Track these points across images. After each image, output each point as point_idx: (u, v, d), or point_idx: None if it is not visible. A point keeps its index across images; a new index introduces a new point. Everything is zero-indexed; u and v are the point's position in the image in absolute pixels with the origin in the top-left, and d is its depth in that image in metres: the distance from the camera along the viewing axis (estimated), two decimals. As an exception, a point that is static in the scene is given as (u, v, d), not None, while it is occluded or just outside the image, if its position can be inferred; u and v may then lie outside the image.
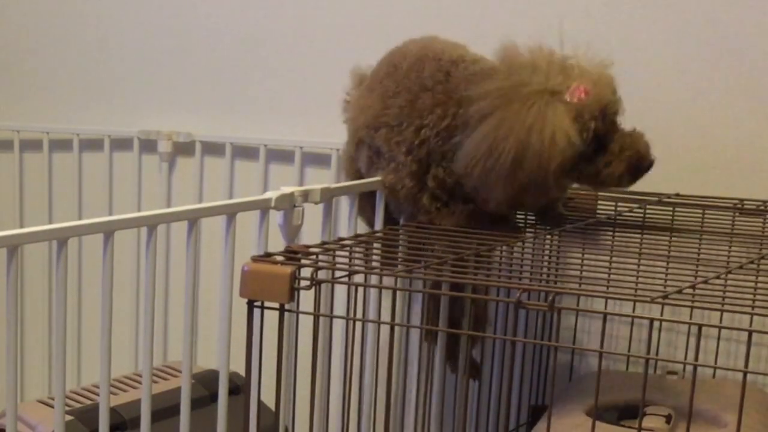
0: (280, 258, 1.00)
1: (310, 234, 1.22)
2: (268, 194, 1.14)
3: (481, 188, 1.19)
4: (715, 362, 1.43)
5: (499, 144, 1.14)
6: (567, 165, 1.15)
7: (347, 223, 1.28)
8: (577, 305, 1.30)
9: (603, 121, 1.17)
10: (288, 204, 1.16)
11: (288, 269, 0.96)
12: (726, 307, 0.90)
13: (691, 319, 1.25)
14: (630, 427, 1.09)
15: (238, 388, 1.41)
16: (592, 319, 1.53)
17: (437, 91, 1.23)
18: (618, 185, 1.21)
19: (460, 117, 1.20)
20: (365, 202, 1.31)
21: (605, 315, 0.91)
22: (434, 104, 1.23)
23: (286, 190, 1.16)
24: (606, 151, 1.18)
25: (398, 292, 1.25)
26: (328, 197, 1.21)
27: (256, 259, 0.99)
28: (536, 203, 1.24)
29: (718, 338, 1.43)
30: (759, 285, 0.98)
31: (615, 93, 1.19)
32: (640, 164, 1.20)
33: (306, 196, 1.18)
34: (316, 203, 1.20)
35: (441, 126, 1.22)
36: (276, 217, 1.17)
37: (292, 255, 1.01)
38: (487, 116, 1.16)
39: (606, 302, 1.04)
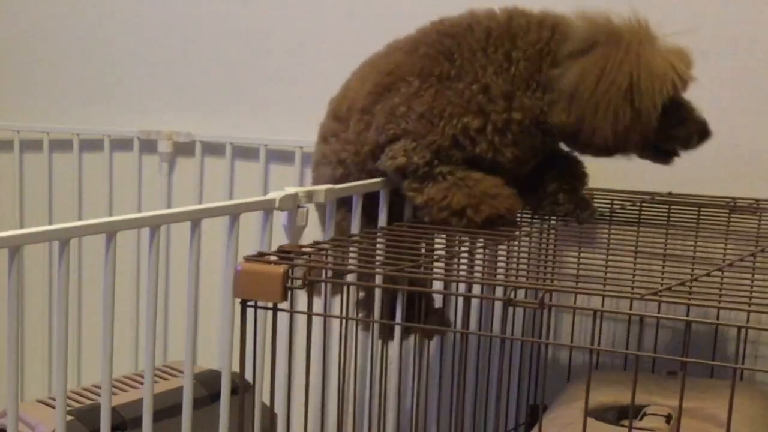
0: (273, 258, 1.00)
1: (313, 235, 1.22)
2: (272, 195, 1.14)
3: (586, 120, 1.19)
4: (713, 359, 1.43)
5: (612, 71, 1.16)
6: (667, 104, 1.18)
7: (351, 223, 1.28)
8: (575, 303, 1.30)
9: (687, 82, 1.21)
10: (292, 204, 1.15)
11: (281, 269, 0.96)
12: (721, 303, 0.90)
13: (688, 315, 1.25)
14: (629, 427, 1.09)
15: (239, 388, 1.41)
16: (591, 318, 1.53)
17: (530, 17, 1.24)
18: (686, 144, 1.24)
19: (555, 43, 1.21)
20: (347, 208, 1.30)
21: (595, 312, 0.91)
22: (527, 27, 1.23)
23: (290, 190, 1.16)
24: (681, 109, 1.22)
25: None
26: (332, 197, 1.21)
27: (249, 258, 0.99)
28: (633, 145, 1.23)
29: (716, 335, 1.44)
30: (755, 282, 0.98)
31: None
32: (707, 130, 1.24)
33: (310, 196, 1.18)
34: (319, 204, 1.19)
35: (534, 49, 1.22)
36: (280, 217, 1.17)
37: (286, 255, 1.01)
38: (593, 46, 1.18)
39: (603, 300, 1.04)
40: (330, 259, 1.06)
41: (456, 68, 1.23)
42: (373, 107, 1.28)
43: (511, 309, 1.46)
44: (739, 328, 0.87)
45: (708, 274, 1.00)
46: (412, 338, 1.39)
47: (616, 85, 1.16)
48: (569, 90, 1.18)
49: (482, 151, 1.22)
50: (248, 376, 1.27)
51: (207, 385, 1.46)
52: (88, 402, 1.41)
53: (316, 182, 1.35)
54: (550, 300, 0.89)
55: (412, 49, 1.28)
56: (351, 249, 1.11)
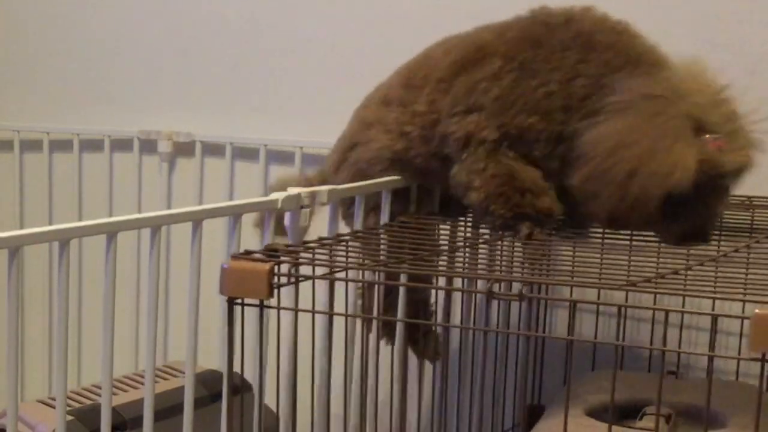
0: (260, 255, 1.01)
1: (316, 236, 1.21)
2: (275, 195, 1.14)
3: (587, 188, 1.15)
4: (711, 352, 1.43)
5: (622, 148, 1.11)
6: (666, 201, 1.11)
7: (354, 224, 1.27)
8: (570, 296, 1.30)
9: (710, 183, 1.12)
10: (295, 205, 1.15)
11: (266, 266, 0.96)
12: (716, 294, 0.91)
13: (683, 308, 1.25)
14: (629, 427, 1.09)
15: (238, 388, 1.41)
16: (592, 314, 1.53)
17: (621, 38, 1.19)
18: (664, 239, 1.18)
19: (613, 80, 1.16)
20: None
21: (574, 303, 0.92)
22: (610, 45, 1.18)
23: (293, 191, 1.16)
24: (686, 206, 1.13)
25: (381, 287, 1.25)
26: (335, 198, 1.20)
27: (236, 256, 1.00)
28: (635, 225, 1.17)
29: (713, 329, 1.43)
30: (748, 274, 0.98)
31: (739, 172, 1.14)
32: (697, 236, 1.16)
33: (313, 197, 1.17)
34: (323, 204, 1.19)
35: (597, 72, 1.17)
36: (284, 218, 1.17)
37: (273, 253, 1.02)
38: (625, 112, 1.13)
39: (599, 293, 1.04)
40: (317, 256, 1.06)
41: (539, 60, 1.20)
42: (454, 79, 1.25)
43: (511, 307, 1.48)
44: (715, 316, 0.87)
45: (690, 268, 1.00)
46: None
47: (622, 163, 1.11)
48: (585, 150, 1.14)
49: (538, 151, 1.20)
50: (250, 375, 1.27)
51: (207, 385, 1.46)
52: (88, 402, 1.41)
53: (364, 147, 1.32)
54: (547, 293, 0.89)
55: (503, 30, 1.25)
56: (339, 247, 1.11)
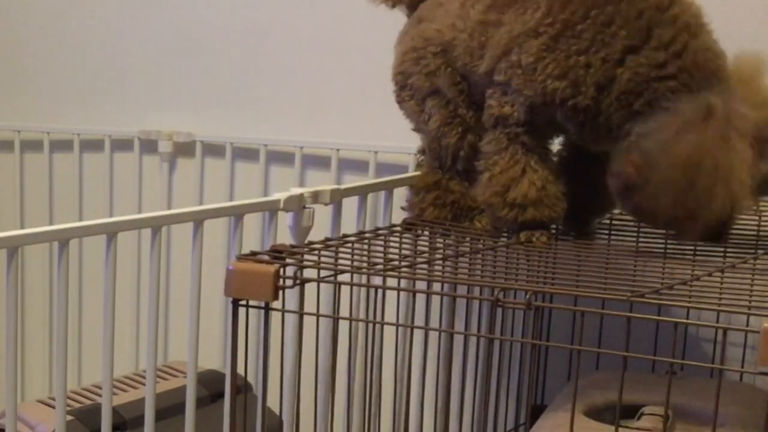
0: (265, 257, 1.01)
1: (319, 237, 1.22)
2: (277, 195, 1.14)
3: (647, 191, 1.11)
4: (713, 361, 1.43)
5: (695, 167, 1.07)
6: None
7: (356, 224, 1.27)
8: (575, 304, 1.30)
9: None
10: (297, 205, 1.15)
11: (272, 268, 0.96)
12: (721, 306, 0.91)
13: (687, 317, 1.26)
14: (626, 427, 1.09)
15: (239, 388, 1.41)
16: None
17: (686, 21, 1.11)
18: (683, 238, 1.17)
19: (656, 94, 1.10)
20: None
21: (575, 312, 0.92)
22: (667, 35, 1.10)
23: (296, 191, 1.16)
24: None
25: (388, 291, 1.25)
26: (338, 198, 1.20)
27: (241, 258, 1.00)
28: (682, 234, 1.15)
29: (715, 337, 1.44)
30: (754, 284, 0.98)
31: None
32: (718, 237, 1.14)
33: (316, 197, 1.17)
34: (325, 204, 1.19)
35: (647, 65, 1.10)
36: (284, 218, 1.16)
37: (278, 255, 1.02)
38: (691, 128, 1.07)
39: (603, 302, 1.04)
40: (323, 258, 1.06)
41: (586, 27, 1.12)
42: (502, 14, 1.18)
43: (516, 312, 1.48)
44: (725, 330, 0.87)
45: (695, 279, 1.00)
46: (408, 338, 1.39)
47: (698, 181, 1.07)
48: (650, 157, 1.09)
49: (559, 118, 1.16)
50: (251, 376, 1.27)
51: (207, 385, 1.46)
52: (88, 402, 1.42)
53: (427, 24, 1.29)
54: (548, 301, 0.89)
55: None
56: (344, 249, 1.11)
